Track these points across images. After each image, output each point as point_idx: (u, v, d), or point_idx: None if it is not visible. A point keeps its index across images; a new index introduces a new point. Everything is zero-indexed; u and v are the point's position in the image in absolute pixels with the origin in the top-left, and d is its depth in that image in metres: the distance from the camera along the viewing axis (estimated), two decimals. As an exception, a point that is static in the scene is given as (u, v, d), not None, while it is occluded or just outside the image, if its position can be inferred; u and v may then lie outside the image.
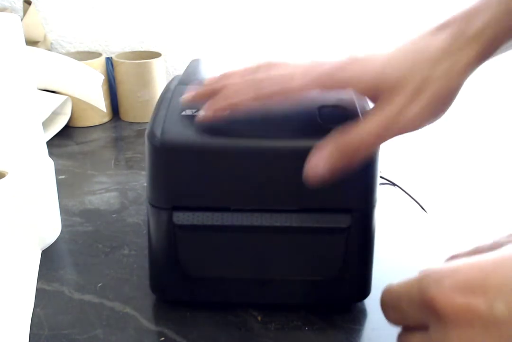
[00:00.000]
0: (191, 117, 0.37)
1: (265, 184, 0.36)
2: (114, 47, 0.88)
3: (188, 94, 0.37)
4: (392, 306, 0.27)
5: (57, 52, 0.87)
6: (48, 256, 0.47)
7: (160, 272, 0.40)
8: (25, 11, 0.80)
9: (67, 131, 0.76)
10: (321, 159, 0.32)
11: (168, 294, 0.41)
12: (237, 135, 0.36)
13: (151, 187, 0.39)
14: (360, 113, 0.37)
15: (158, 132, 0.36)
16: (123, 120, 0.81)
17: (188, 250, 0.39)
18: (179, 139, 0.36)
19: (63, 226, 0.51)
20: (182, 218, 0.37)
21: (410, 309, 0.25)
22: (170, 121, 0.37)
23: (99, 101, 0.73)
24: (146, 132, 0.37)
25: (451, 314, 0.23)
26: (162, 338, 0.38)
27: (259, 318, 0.40)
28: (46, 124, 0.73)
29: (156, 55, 0.79)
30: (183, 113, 0.37)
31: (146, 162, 0.38)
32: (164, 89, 0.41)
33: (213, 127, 0.36)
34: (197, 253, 0.39)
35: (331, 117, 0.37)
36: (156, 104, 0.39)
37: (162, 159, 0.37)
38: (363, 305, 0.41)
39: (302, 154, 0.35)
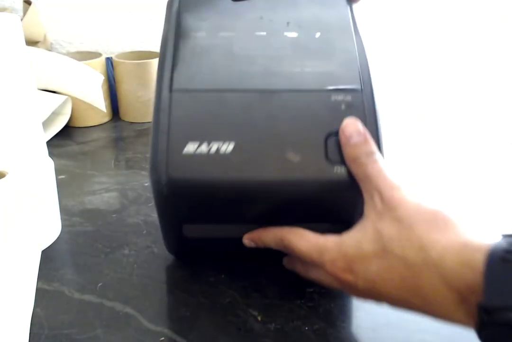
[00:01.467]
0: (196, 156, 0.35)
1: (269, 219, 0.38)
2: (114, 47, 0.88)
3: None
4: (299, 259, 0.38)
5: (57, 52, 0.87)
6: (48, 256, 0.47)
7: None
8: (25, 11, 0.80)
9: (67, 131, 0.75)
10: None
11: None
12: (245, 178, 0.35)
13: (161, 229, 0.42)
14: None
15: (163, 179, 0.35)
16: (123, 120, 0.81)
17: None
18: (186, 186, 0.35)
19: (63, 226, 0.51)
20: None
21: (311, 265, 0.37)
22: (173, 160, 0.35)
23: (99, 101, 0.73)
24: (150, 173, 0.36)
25: (339, 283, 0.35)
26: (162, 338, 0.38)
27: (259, 318, 0.40)
28: (46, 124, 0.73)
29: (156, 55, 0.79)
30: (185, 150, 0.35)
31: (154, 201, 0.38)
32: (157, 91, 0.38)
33: (218, 167, 0.35)
34: None
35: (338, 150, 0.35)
36: (153, 124, 0.36)
37: (170, 204, 0.37)
38: (363, 305, 0.41)
39: (305, 195, 0.36)
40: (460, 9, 0.88)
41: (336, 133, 0.35)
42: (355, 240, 0.34)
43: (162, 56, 0.39)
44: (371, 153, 0.34)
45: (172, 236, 0.43)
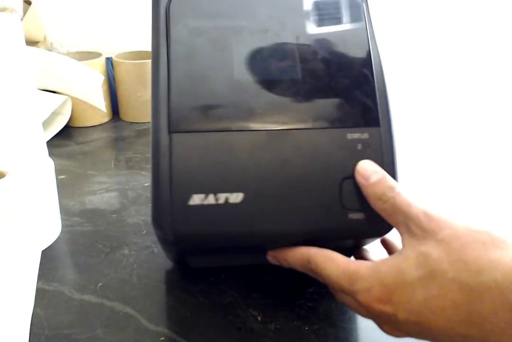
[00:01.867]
0: (202, 209, 0.33)
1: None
2: (114, 47, 0.88)
3: None
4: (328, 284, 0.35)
5: (57, 52, 0.87)
6: (48, 256, 0.47)
7: None
8: (25, 11, 0.80)
9: (67, 131, 0.76)
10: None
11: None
12: (257, 230, 0.33)
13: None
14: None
15: (169, 234, 0.33)
16: (123, 120, 0.81)
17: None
18: (194, 240, 0.34)
19: (63, 226, 0.51)
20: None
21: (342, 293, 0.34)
22: (178, 213, 0.33)
23: (99, 101, 0.73)
24: (153, 226, 0.33)
25: (372, 314, 0.32)
26: (162, 338, 0.38)
27: (259, 318, 0.40)
28: (46, 124, 0.73)
29: (156, 55, 0.79)
30: (191, 203, 0.33)
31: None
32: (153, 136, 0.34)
33: (227, 219, 0.33)
34: None
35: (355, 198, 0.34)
36: (153, 171, 0.33)
37: (176, 250, 0.37)
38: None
39: (320, 242, 0.35)
40: (461, 10, 0.88)
41: (350, 177, 0.34)
42: (394, 266, 0.30)
43: (155, 84, 0.34)
44: (393, 187, 0.33)
45: (174, 260, 0.44)
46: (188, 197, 0.32)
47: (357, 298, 0.31)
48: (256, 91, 0.34)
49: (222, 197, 0.33)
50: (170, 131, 0.33)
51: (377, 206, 0.33)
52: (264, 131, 0.34)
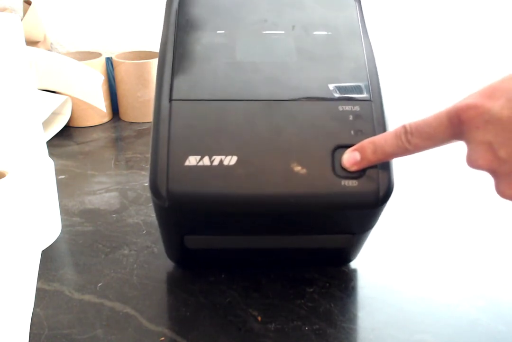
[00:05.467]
0: (197, 169, 0.34)
1: (273, 231, 0.38)
2: (114, 47, 0.88)
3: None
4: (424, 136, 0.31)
5: (57, 52, 0.87)
6: (48, 256, 0.47)
7: None
8: (25, 11, 0.80)
9: (67, 131, 0.76)
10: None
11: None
12: (249, 192, 0.34)
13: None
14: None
15: (163, 193, 0.34)
16: (123, 120, 0.81)
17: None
18: (187, 200, 0.34)
19: (63, 226, 0.51)
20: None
21: (439, 131, 0.30)
22: (174, 173, 0.34)
23: (99, 101, 0.73)
24: (150, 187, 0.35)
25: (468, 116, 0.28)
26: (162, 338, 0.38)
27: (259, 318, 0.40)
28: (46, 124, 0.73)
29: (156, 55, 0.79)
30: (186, 164, 0.34)
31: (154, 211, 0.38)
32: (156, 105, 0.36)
33: (221, 180, 0.34)
34: None
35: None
36: (152, 135, 0.35)
37: (171, 217, 0.37)
38: (363, 305, 0.41)
39: (312, 209, 0.35)
40: (460, 9, 0.88)
41: (342, 146, 0.35)
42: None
43: (161, 61, 0.38)
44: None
45: (173, 246, 0.43)
46: (185, 158, 0.34)
47: (454, 108, 0.29)
48: (253, 68, 0.37)
49: (217, 159, 0.34)
50: (171, 99, 0.36)
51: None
52: (259, 101, 0.36)
